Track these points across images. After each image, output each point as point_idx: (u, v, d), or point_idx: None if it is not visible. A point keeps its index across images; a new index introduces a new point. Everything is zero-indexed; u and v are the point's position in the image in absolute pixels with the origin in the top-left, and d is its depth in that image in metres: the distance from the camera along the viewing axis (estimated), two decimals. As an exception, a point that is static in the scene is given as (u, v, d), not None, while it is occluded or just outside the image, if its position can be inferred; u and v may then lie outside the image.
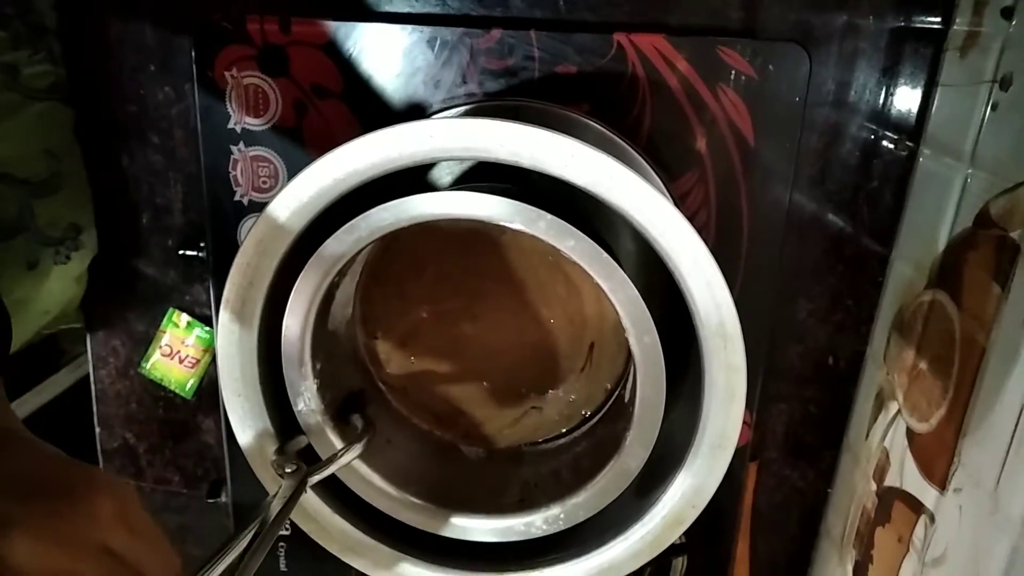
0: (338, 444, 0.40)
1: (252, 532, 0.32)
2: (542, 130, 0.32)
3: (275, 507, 0.33)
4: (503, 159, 0.32)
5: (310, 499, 0.39)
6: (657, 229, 0.32)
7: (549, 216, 0.33)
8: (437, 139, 0.32)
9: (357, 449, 0.39)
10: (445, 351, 0.46)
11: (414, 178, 0.34)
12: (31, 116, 0.49)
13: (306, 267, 0.36)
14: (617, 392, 0.46)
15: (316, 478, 0.36)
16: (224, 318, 0.36)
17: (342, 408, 0.42)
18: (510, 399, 0.47)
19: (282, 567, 0.55)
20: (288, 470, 0.35)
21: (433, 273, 0.45)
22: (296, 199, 0.34)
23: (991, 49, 0.42)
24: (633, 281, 0.34)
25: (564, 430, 0.47)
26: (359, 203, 0.35)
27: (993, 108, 0.42)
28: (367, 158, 0.33)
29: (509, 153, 0.32)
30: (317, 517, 0.39)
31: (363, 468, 0.40)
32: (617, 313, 0.35)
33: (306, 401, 0.39)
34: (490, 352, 0.45)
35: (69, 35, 0.51)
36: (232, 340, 0.37)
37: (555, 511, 0.39)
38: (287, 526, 0.54)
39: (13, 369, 0.67)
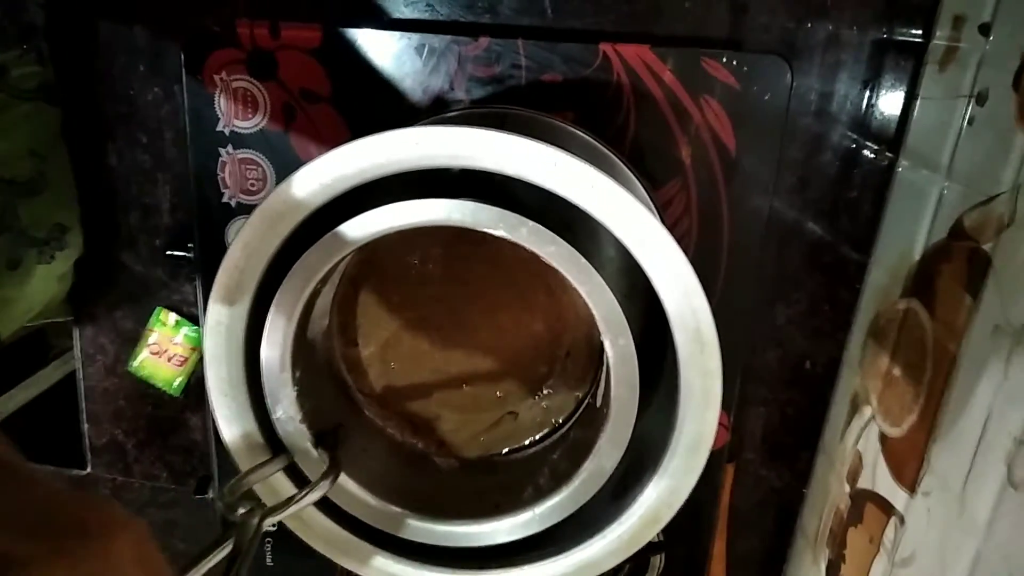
0: (315, 454, 0.40)
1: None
2: (526, 139, 0.32)
3: (243, 542, 0.31)
4: (488, 167, 0.33)
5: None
6: (636, 238, 0.33)
7: (531, 223, 0.34)
8: (423, 146, 0.33)
9: (322, 488, 0.38)
10: (426, 356, 0.47)
11: (407, 181, 0.35)
12: (17, 116, 0.49)
13: (288, 275, 0.36)
14: (587, 401, 0.47)
15: (274, 519, 0.35)
16: (211, 318, 0.37)
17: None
18: (488, 403, 0.47)
19: (268, 562, 0.55)
20: (241, 511, 0.33)
21: (415, 279, 0.45)
22: (284, 203, 0.34)
23: (969, 64, 0.43)
24: (613, 286, 0.35)
25: (536, 437, 0.48)
26: (345, 210, 0.35)
27: (970, 122, 0.43)
28: (355, 164, 0.33)
29: (494, 161, 0.33)
30: (302, 514, 0.40)
31: (340, 476, 0.41)
32: (592, 318, 0.36)
33: (285, 408, 0.39)
34: (471, 356, 0.46)
35: (58, 35, 0.52)
36: (219, 341, 0.37)
37: (530, 514, 0.40)
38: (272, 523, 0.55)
39: None
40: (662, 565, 0.54)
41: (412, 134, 0.33)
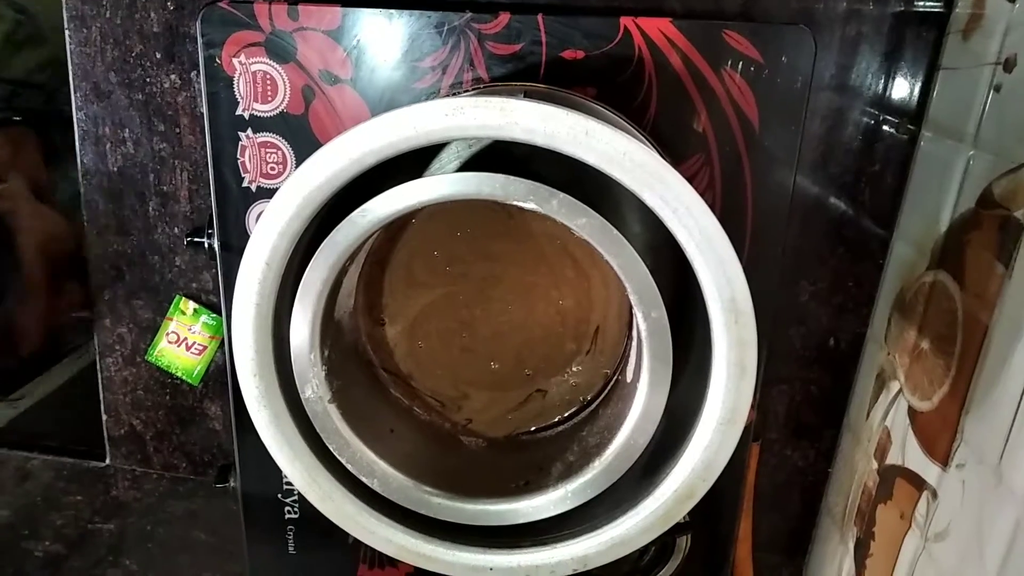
0: (345, 432, 0.40)
1: None
2: (557, 108, 0.32)
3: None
4: (518, 137, 0.32)
5: (326, 480, 0.39)
6: (670, 206, 0.33)
7: (561, 195, 0.34)
8: (452, 117, 0.32)
9: None
10: (453, 334, 0.46)
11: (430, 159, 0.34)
12: None
13: (317, 252, 0.36)
14: (615, 377, 0.46)
15: None
16: (239, 300, 0.36)
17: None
18: (516, 381, 0.47)
19: (291, 550, 0.55)
20: None
21: (442, 257, 0.45)
22: (311, 179, 0.34)
23: (994, 31, 0.43)
24: (644, 259, 0.34)
25: (565, 415, 0.47)
26: (370, 187, 0.35)
27: (996, 90, 0.42)
28: (383, 137, 0.33)
29: (524, 131, 0.32)
30: (332, 497, 0.40)
31: (369, 455, 0.40)
32: (624, 294, 0.35)
33: (314, 388, 0.39)
34: (499, 333, 0.46)
35: (74, 21, 0.51)
36: (247, 322, 0.37)
37: (562, 491, 0.40)
38: (295, 509, 0.55)
39: (15, 359, 0.67)
40: (688, 546, 0.54)
41: (441, 105, 0.33)
